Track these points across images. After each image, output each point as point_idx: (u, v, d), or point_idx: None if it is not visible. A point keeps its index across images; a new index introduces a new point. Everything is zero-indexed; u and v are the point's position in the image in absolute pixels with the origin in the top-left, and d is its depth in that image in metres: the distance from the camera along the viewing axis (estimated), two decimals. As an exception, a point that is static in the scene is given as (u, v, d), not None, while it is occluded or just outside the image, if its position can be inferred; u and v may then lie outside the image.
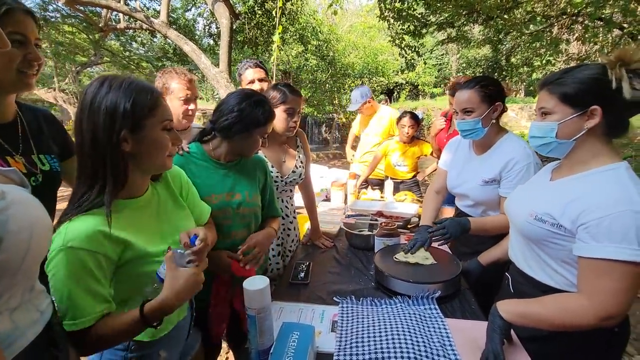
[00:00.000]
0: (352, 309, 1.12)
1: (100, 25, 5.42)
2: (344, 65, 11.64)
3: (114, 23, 5.90)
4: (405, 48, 6.88)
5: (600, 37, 5.78)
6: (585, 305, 0.80)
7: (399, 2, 5.87)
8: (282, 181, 1.57)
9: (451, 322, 1.04)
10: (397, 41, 6.79)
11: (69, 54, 9.36)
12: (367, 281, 1.32)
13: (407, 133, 2.66)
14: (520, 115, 12.62)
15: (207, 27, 10.91)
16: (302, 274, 1.36)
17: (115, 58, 10.35)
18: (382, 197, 2.46)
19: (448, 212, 2.22)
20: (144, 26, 5.00)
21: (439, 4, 5.65)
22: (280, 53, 10.45)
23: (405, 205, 2.07)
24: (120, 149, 0.73)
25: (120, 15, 5.51)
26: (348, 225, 1.72)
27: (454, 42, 6.94)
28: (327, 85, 11.39)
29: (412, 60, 7.09)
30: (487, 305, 1.24)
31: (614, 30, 5.21)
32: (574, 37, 5.69)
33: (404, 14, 6.05)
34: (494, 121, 1.38)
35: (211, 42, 11.15)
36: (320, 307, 1.14)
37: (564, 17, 5.28)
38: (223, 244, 1.17)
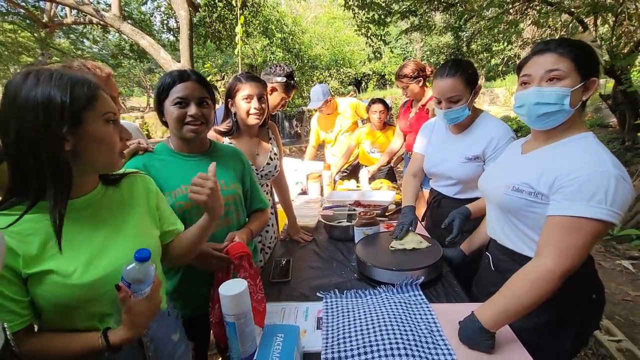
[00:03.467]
0: (336, 303, 1.09)
1: (44, 21, 4.97)
2: (311, 57, 11.55)
3: (60, 18, 5.44)
4: (371, 37, 6.89)
5: (551, 21, 6.07)
6: (552, 268, 0.80)
7: (362, -10, 5.85)
8: (257, 174, 1.50)
9: (436, 307, 1.03)
10: (362, 30, 6.78)
11: (13, 54, 8.58)
12: (349, 273, 1.29)
13: (379, 118, 2.68)
14: (482, 100, 13.13)
15: (165, 21, 10.37)
16: (283, 272, 1.31)
17: (65, 57, 9.62)
18: (358, 186, 2.44)
19: (422, 196, 2.24)
20: (94, 20, 4.64)
21: (401, -8, 5.68)
22: (244, 46, 10.17)
23: (382, 193, 2.06)
24: (61, 149, 0.63)
25: (67, 9, 5.09)
26: (326, 218, 1.68)
27: (417, 30, 7.04)
28: (295, 78, 11.26)
29: (379, 49, 7.10)
30: (469, 285, 1.26)
31: (564, 14, 5.49)
32: (529, 21, 5.93)
33: (368, 1, 6.04)
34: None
35: (171, 37, 10.63)
36: (304, 304, 1.09)
37: (518, 2, 5.48)
38: None
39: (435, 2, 5.94)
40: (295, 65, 11.09)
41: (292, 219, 1.67)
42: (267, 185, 1.62)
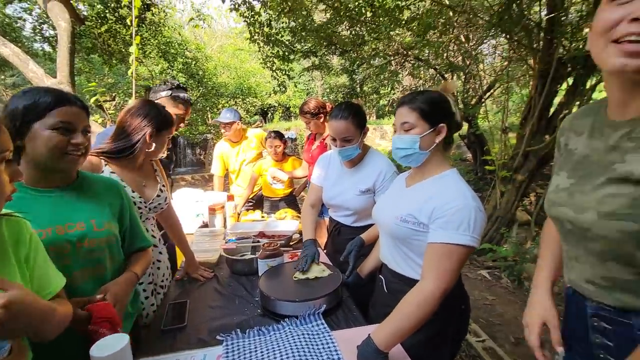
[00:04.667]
0: (237, 345, 1.03)
1: None
2: (216, 84, 11.30)
3: None
4: (276, 71, 7.18)
5: (422, 73, 7.41)
6: (433, 290, 0.93)
7: (267, 27, 6.12)
8: (146, 207, 1.35)
9: (338, 334, 1.07)
10: (268, 64, 7.03)
11: None
12: (253, 309, 1.25)
13: (276, 153, 2.74)
14: (374, 135, 14.83)
15: (39, 28, 8.81)
16: (177, 316, 1.18)
17: None
18: (262, 216, 2.42)
19: (323, 223, 2.36)
20: None
21: (303, 34, 6.16)
22: (141, 67, 9.35)
23: (286, 223, 2.09)
24: None
25: None
26: (228, 251, 1.60)
27: (318, 69, 7.66)
28: (198, 104, 10.77)
29: (284, 83, 7.44)
30: (367, 307, 1.34)
31: (431, 69, 6.77)
32: (406, 72, 7.10)
33: (273, 39, 6.35)
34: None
35: (47, 47, 9.06)
36: (201, 351, 1.00)
37: (398, 55, 6.55)
38: None
39: (333, 47, 6.62)
40: (199, 91, 10.66)
41: (188, 256, 1.54)
42: (154, 218, 1.48)
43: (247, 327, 1.12)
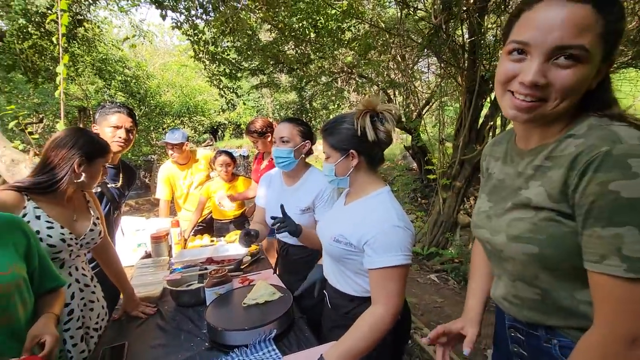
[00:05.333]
0: (182, 384, 0.97)
1: None
2: (159, 103, 10.79)
3: None
4: (223, 89, 7.07)
5: (367, 89, 7.82)
6: (383, 314, 0.97)
7: (212, 45, 6.04)
8: (77, 244, 1.24)
9: (289, 358, 1.06)
10: (215, 82, 6.91)
11: None
12: (200, 343, 1.19)
13: (226, 171, 2.67)
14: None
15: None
16: (113, 362, 1.08)
17: None
18: (212, 240, 2.32)
19: (274, 244, 2.33)
20: None
21: (249, 53, 6.18)
22: (74, 86, 8.63)
23: (237, 246, 2.04)
24: None
25: None
26: (172, 282, 1.52)
27: (266, 87, 7.71)
28: (141, 124, 10.16)
29: (232, 101, 7.35)
30: (316, 325, 1.34)
31: (374, 85, 7.17)
32: (352, 88, 7.42)
33: (219, 57, 6.27)
34: (303, 156, 1.60)
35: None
36: (140, 397, 0.93)
37: (343, 73, 6.84)
38: None
39: (280, 65, 6.73)
40: (141, 110, 10.08)
41: (128, 292, 1.43)
42: (85, 255, 1.36)
43: (194, 363, 1.07)
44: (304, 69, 6.62)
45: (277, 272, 1.78)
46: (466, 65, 4.25)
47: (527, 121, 0.66)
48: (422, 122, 5.93)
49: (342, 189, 1.25)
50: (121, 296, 1.45)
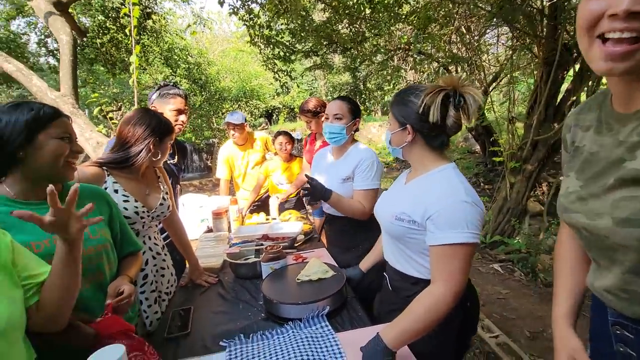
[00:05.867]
0: (241, 351, 1.01)
1: None
2: (219, 89, 11.35)
3: None
4: (278, 72, 7.18)
5: (425, 67, 7.33)
6: (444, 292, 0.90)
7: (267, 29, 6.12)
8: (149, 216, 1.35)
9: (342, 336, 1.05)
10: (269, 65, 7.04)
11: None
12: (256, 313, 1.24)
13: (285, 150, 2.74)
14: (380, 132, 14.72)
15: (43, 42, 8.98)
16: (181, 323, 1.18)
17: None
18: (267, 219, 2.41)
19: (318, 222, 2.34)
20: None
21: (302, 34, 6.14)
22: (145, 75, 9.45)
23: (291, 224, 2.07)
24: None
25: None
26: (232, 256, 1.59)
27: (320, 68, 7.63)
28: (203, 109, 10.84)
29: (286, 84, 7.45)
30: (371, 307, 1.33)
31: (434, 62, 6.69)
32: (409, 67, 7.02)
33: (273, 40, 6.35)
34: (352, 133, 1.67)
35: (52, 60, 9.23)
36: (204, 358, 0.99)
37: (399, 51, 6.48)
38: None
39: (334, 46, 6.59)
40: (202, 96, 10.74)
41: (193, 262, 1.54)
42: (157, 226, 1.49)
43: (251, 331, 1.11)
44: (358, 48, 6.41)
45: (327, 247, 1.81)
46: (545, 32, 3.73)
47: (627, 72, 0.52)
48: (489, 99, 5.41)
49: (393, 163, 1.21)
50: (187, 265, 1.57)
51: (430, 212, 0.95)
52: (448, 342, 1.06)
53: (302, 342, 1.02)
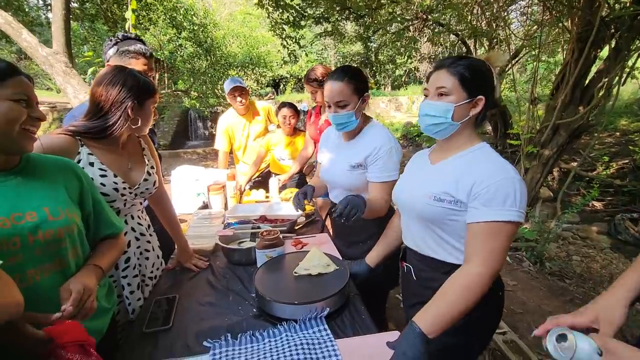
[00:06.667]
0: (226, 355, 0.89)
1: None
2: (225, 54, 10.88)
3: None
4: (286, 38, 6.79)
5: (443, 39, 6.87)
6: (481, 272, 0.84)
7: (276, -10, 5.70)
8: (131, 193, 1.19)
9: (342, 343, 0.92)
10: (277, 31, 6.64)
11: None
12: (247, 308, 1.11)
13: (289, 123, 2.53)
14: (389, 107, 14.27)
15: (42, -5, 8.53)
16: (162, 316, 1.05)
17: None
18: (267, 196, 2.26)
19: (327, 204, 2.19)
20: None
21: (314, -3, 5.72)
22: (148, 36, 9.02)
23: (291, 205, 1.92)
24: None
25: None
26: (225, 239, 1.46)
27: (330, 36, 7.19)
28: (208, 75, 10.41)
29: (294, 52, 7.07)
30: (377, 308, 1.20)
31: (452, 35, 6.25)
32: (425, 39, 6.58)
33: (282, 3, 5.92)
34: (363, 112, 1.42)
35: (51, 15, 8.81)
36: (183, 361, 0.87)
37: (417, 20, 6.03)
38: None
39: (347, 12, 6.15)
40: (207, 61, 10.29)
41: (181, 243, 1.40)
42: (141, 204, 1.33)
43: (240, 330, 0.99)
44: (373, 15, 5.97)
45: (332, 235, 1.65)
46: (581, 3, 3.37)
47: None
48: (509, 78, 5.07)
49: (422, 143, 1.03)
50: (176, 246, 1.44)
51: (478, 188, 0.88)
52: (474, 334, 0.98)
53: (297, 348, 0.90)
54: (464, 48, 6.52)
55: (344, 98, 1.30)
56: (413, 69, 10.97)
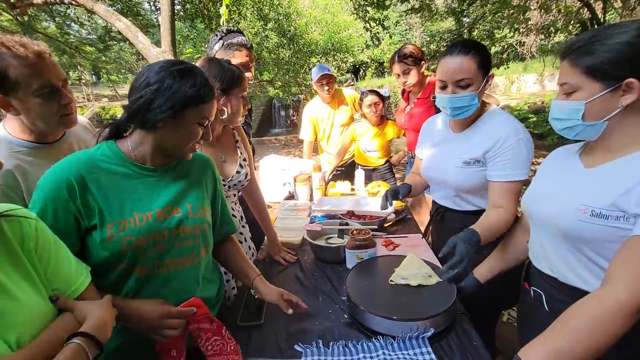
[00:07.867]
0: (319, 365, 0.83)
1: (11, 0, 4.54)
2: (307, 42, 11.03)
3: (31, -2, 4.99)
4: (369, 21, 6.52)
5: (558, 4, 5.73)
6: (622, 299, 0.62)
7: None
8: (225, 186, 1.22)
9: (451, 375, 0.78)
10: (360, 14, 6.41)
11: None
12: (338, 313, 1.03)
13: (375, 112, 2.35)
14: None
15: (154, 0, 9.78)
16: (254, 310, 1.05)
17: (52, 42, 8.99)
18: (352, 189, 2.16)
19: (428, 201, 1.98)
20: (66, 0, 4.23)
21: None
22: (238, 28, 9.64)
23: (379, 201, 1.79)
24: None
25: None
26: (312, 234, 1.41)
27: (418, 12, 6.64)
28: (291, 64, 10.71)
29: (377, 34, 6.75)
30: (487, 332, 1.02)
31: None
32: (538, 4, 5.56)
33: (366, -17, 5.67)
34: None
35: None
36: (276, 366, 0.84)
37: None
38: (150, 284, 0.81)
39: (438, -16, 5.58)
40: (290, 50, 10.56)
41: (271, 235, 1.40)
42: (235, 195, 1.35)
43: (331, 337, 0.92)
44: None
45: (429, 239, 1.47)
46: None
47: None
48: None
49: (563, 138, 0.80)
50: (266, 238, 1.45)
51: None
52: None
53: (396, 371, 0.79)
54: (586, 13, 5.36)
55: (466, 75, 1.07)
56: (514, 43, 9.52)
